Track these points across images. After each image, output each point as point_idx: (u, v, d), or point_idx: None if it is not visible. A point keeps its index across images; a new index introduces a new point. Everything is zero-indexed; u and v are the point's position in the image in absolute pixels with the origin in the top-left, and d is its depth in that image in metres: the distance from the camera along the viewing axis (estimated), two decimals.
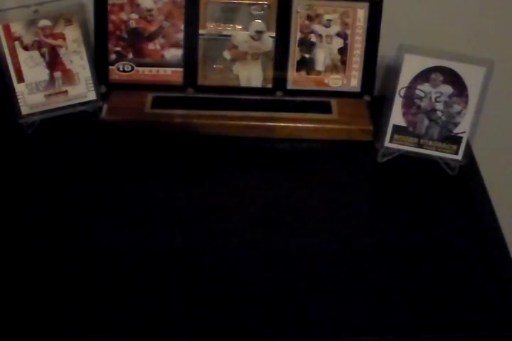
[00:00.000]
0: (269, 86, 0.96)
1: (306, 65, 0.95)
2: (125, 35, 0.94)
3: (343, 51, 0.95)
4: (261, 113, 0.93)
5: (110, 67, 0.95)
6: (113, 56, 0.94)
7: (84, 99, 0.93)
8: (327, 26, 0.94)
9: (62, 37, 0.90)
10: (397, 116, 0.87)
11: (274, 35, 0.94)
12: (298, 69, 0.95)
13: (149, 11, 0.93)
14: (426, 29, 0.97)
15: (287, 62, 0.95)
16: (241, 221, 0.78)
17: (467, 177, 0.87)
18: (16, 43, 0.88)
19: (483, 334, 0.67)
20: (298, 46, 0.94)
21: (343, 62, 0.95)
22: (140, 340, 0.66)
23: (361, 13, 0.93)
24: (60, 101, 0.92)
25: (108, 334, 0.65)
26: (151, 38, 0.94)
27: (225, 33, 0.94)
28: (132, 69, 0.95)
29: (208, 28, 0.94)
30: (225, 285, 0.70)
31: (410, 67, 0.85)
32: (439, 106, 0.86)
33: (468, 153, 0.87)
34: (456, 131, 0.87)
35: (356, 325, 0.66)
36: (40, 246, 0.74)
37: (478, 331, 0.67)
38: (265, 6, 0.93)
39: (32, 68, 0.90)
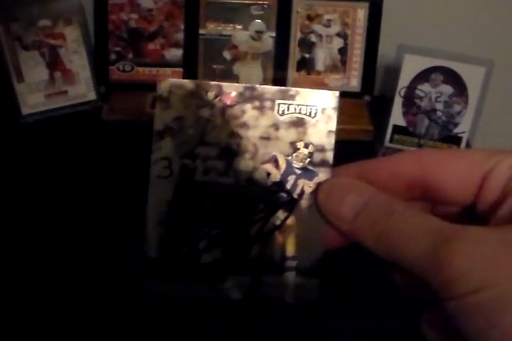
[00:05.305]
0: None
1: (306, 64, 0.95)
2: (125, 35, 0.94)
3: (343, 51, 0.95)
4: None
5: (110, 67, 0.95)
6: (113, 56, 0.94)
7: (84, 99, 0.93)
8: (327, 26, 0.94)
9: (62, 37, 0.90)
10: (397, 116, 0.87)
11: (274, 35, 0.94)
12: (298, 69, 0.95)
13: (149, 10, 0.93)
14: (426, 29, 0.97)
15: (287, 62, 0.95)
16: None
17: None
18: (16, 43, 0.88)
19: None
20: (298, 46, 0.94)
21: (343, 62, 0.95)
22: None
23: (361, 13, 0.93)
24: (60, 101, 0.92)
25: None
26: (151, 37, 0.94)
27: (225, 32, 0.94)
28: (132, 69, 0.95)
29: (208, 28, 0.94)
30: None
31: (410, 67, 0.86)
32: (439, 106, 0.86)
33: None
34: (456, 131, 0.87)
35: None
36: (39, 247, 0.74)
37: None
38: (265, 6, 0.93)
39: (32, 68, 0.90)
